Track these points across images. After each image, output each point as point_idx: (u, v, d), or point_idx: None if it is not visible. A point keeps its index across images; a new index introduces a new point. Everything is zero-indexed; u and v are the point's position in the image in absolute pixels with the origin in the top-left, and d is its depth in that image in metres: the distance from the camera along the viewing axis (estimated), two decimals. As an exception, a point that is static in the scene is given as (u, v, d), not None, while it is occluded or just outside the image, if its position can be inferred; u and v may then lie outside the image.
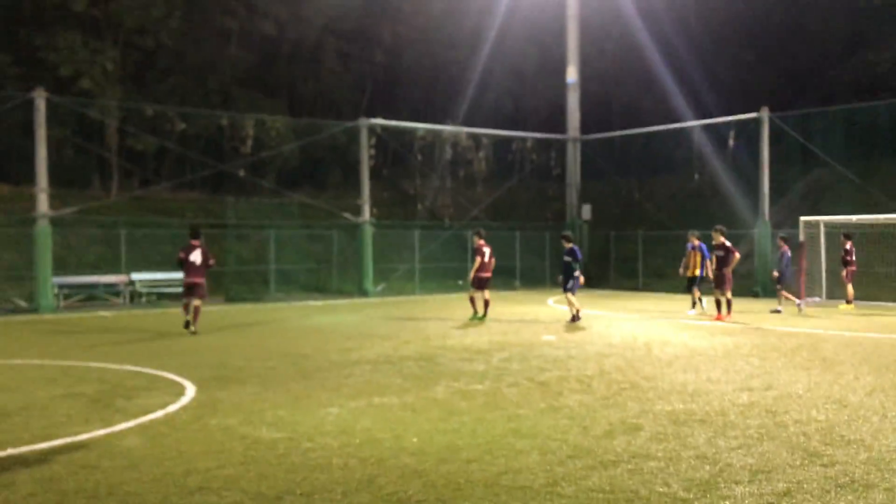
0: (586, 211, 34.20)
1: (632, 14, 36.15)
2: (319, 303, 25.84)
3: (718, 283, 18.86)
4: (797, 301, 21.49)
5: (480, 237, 19.52)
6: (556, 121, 36.60)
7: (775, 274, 21.51)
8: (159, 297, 26.01)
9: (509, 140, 36.06)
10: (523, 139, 36.05)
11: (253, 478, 6.22)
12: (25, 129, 25.12)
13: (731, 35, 39.19)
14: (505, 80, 41.88)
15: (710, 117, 31.57)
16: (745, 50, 38.99)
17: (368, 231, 28.73)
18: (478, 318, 19.13)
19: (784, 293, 21.41)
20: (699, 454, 6.81)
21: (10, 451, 7.05)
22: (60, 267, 24.55)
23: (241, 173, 31.32)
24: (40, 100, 23.31)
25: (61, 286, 24.19)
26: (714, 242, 19.00)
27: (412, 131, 33.69)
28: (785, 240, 21.47)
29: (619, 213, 36.19)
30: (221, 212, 31.75)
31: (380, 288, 28.83)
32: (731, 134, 30.37)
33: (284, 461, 6.69)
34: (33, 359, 13.05)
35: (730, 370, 11.30)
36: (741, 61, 38.99)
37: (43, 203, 23.30)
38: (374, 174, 30.46)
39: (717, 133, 31.75)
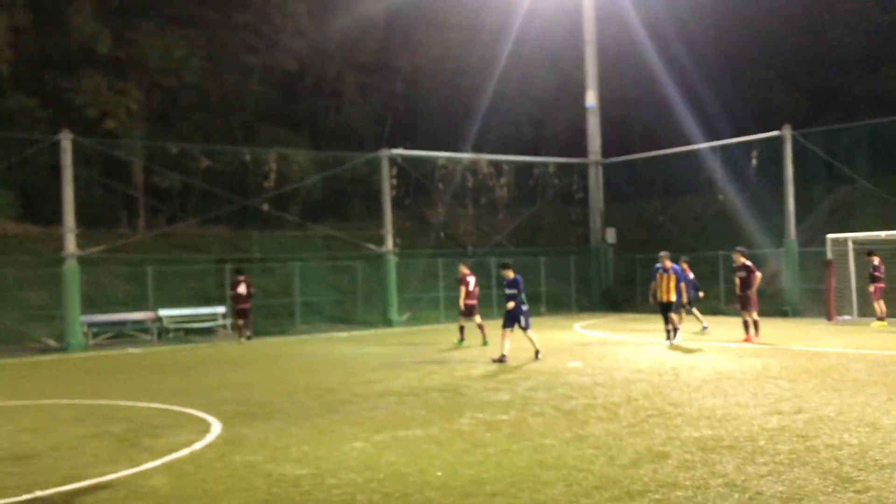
0: (611, 234, 34.09)
1: (646, 39, 36.24)
2: (344, 334, 25.88)
3: (744, 305, 18.67)
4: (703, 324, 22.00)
5: (466, 267, 20.87)
6: (577, 145, 36.62)
7: (701, 294, 22.87)
8: (187, 332, 26.20)
9: (531, 165, 36.11)
10: (545, 164, 36.07)
11: (277, 516, 6.21)
12: (53, 171, 25.57)
13: (748, 54, 39.12)
14: (525, 106, 42.05)
15: (731, 137, 31.43)
16: (764, 69, 38.88)
17: (392, 261, 28.80)
18: (459, 343, 20.32)
19: (688, 314, 21.72)
20: (728, 482, 6.70)
21: (38, 493, 7.10)
22: (89, 305, 24.83)
23: (266, 207, 31.58)
24: (67, 141, 23.74)
25: (90, 324, 24.46)
26: (735, 264, 18.90)
27: (433, 160, 33.85)
28: (687, 262, 22.27)
29: (644, 236, 35.99)
30: (247, 246, 32.03)
31: (404, 317, 28.83)
32: (754, 153, 30.18)
33: (309, 498, 6.68)
34: (62, 398, 13.16)
35: (759, 393, 11.14)
36: (760, 80, 38.87)
37: (71, 243, 23.63)
38: (397, 204, 30.61)
39: (738, 153, 31.56)
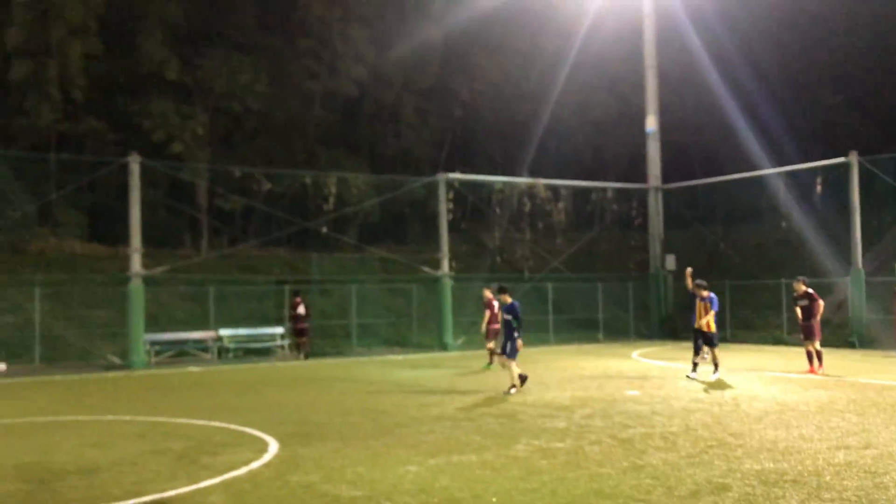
0: (670, 261, 33.60)
1: (708, 63, 35.87)
2: (400, 357, 25.96)
3: (807, 335, 18.18)
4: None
5: (489, 291, 21.04)
6: (636, 170, 36.34)
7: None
8: (246, 352, 26.60)
9: (589, 190, 35.90)
10: (603, 189, 35.83)
11: (332, 537, 6.24)
12: (120, 192, 26.33)
13: (814, 78, 38.46)
14: (583, 130, 41.94)
15: (794, 163, 30.81)
16: (831, 93, 38.13)
17: (448, 284, 28.85)
18: (488, 367, 20.70)
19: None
20: (791, 517, 6.52)
21: (101, 507, 7.26)
22: (152, 324, 25.40)
23: (324, 230, 32.00)
24: (135, 164, 24.45)
25: (153, 343, 25.01)
26: (796, 293, 18.49)
27: (490, 184, 33.91)
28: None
29: (704, 263, 35.38)
30: (306, 268, 32.45)
31: (460, 342, 28.81)
32: (818, 180, 29.53)
33: (363, 520, 6.69)
34: (125, 414, 13.47)
35: (824, 427, 10.82)
36: (825, 106, 38.12)
37: (136, 262, 24.25)
38: (453, 228, 30.70)
39: (802, 180, 30.91)
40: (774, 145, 34.79)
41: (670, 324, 32.61)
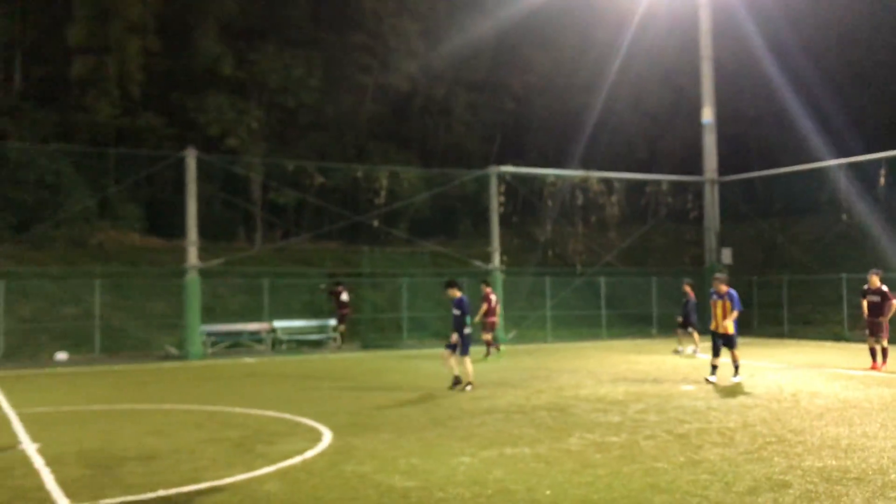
0: (726, 255, 32.98)
1: (766, 53, 35.06)
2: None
3: (874, 331, 17.63)
4: (691, 348, 22.36)
5: (487, 285, 22.41)
6: (692, 163, 35.72)
7: (679, 319, 22.79)
8: (299, 343, 26.91)
9: (643, 183, 35.41)
10: (657, 182, 35.30)
11: (386, 526, 6.26)
12: (177, 186, 26.81)
13: (876, 65, 37.32)
14: (637, 122, 41.40)
15: (856, 155, 29.96)
16: (892, 83, 36.97)
17: (499, 278, 28.76)
18: (488, 358, 21.55)
19: (695, 334, 22.31)
20: (856, 516, 6.34)
21: (161, 492, 7.40)
22: (208, 315, 25.83)
23: (376, 224, 32.17)
24: (191, 158, 24.86)
25: (209, 334, 25.44)
26: (869, 286, 17.76)
27: (541, 177, 33.69)
28: (691, 285, 22.89)
29: (762, 257, 34.72)
30: (357, 261, 32.68)
31: (511, 336, 28.72)
32: (882, 171, 28.66)
33: (417, 510, 6.70)
34: (183, 404, 13.72)
35: (888, 424, 10.51)
36: (887, 95, 36.98)
37: (193, 255, 24.67)
38: (504, 221, 30.58)
39: (865, 171, 30.04)
40: (835, 136, 33.87)
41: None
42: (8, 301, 24.81)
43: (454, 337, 14.80)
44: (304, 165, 32.00)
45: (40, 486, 7.75)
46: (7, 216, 29.41)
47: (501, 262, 29.09)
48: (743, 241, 34.50)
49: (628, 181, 35.00)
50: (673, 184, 35.15)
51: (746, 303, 31.84)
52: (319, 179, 32.28)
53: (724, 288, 15.68)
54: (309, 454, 9.05)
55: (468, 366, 14.92)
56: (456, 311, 14.95)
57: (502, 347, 23.90)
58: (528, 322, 30.14)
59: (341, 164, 33.58)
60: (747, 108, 39.94)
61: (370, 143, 38.44)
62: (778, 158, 35.18)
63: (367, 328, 28.93)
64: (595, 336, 29.98)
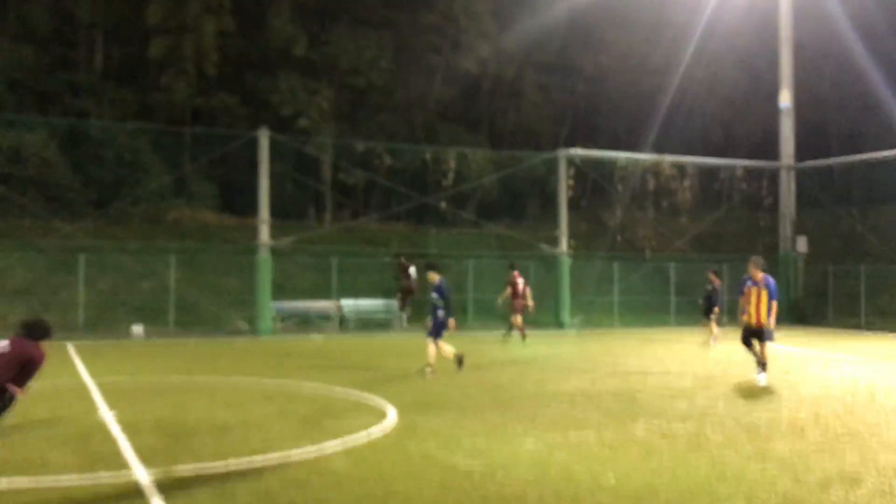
0: (801, 243, 32.06)
1: (851, 34, 33.75)
2: (516, 333, 25.90)
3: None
4: (713, 337, 21.08)
5: (514, 269, 22.84)
6: (768, 148, 34.77)
7: (716, 310, 21.41)
8: (365, 323, 27.23)
9: (717, 168, 34.62)
10: (732, 167, 34.46)
11: (449, 505, 6.32)
12: (250, 166, 27.36)
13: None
14: (712, 105, 40.47)
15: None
16: None
17: (566, 262, 28.55)
18: (520, 340, 21.80)
19: (713, 324, 21.15)
20: (933, 515, 6.13)
21: (231, 462, 7.61)
22: (278, 293, 26.32)
23: (443, 205, 32.25)
24: (264, 138, 25.29)
25: (279, 310, 25.94)
26: None
27: (612, 161, 33.22)
28: (716, 273, 21.81)
29: (839, 247, 33.63)
30: (424, 242, 32.85)
31: (577, 320, 28.52)
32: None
33: (480, 490, 6.74)
34: (253, 378, 14.04)
35: (970, 422, 10.11)
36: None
37: (264, 233, 25.15)
38: (573, 205, 30.30)
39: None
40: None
41: (800, 309, 31.24)
42: (87, 275, 25.72)
43: (452, 322, 14.57)
44: (373, 146, 32.24)
45: (117, 453, 8.05)
46: (87, 192, 30.46)
47: (569, 246, 28.87)
48: (819, 230, 33.48)
49: (701, 166, 34.27)
50: (748, 169, 34.26)
51: (822, 293, 31.26)
52: (388, 160, 32.50)
53: (759, 275, 13.83)
54: (374, 431, 9.17)
55: (434, 350, 14.47)
56: (434, 295, 14.62)
57: (527, 339, 22.41)
58: (595, 307, 29.87)
59: (410, 146, 33.74)
60: (828, 92, 38.66)
61: (439, 124, 38.50)
62: (860, 144, 34.01)
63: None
64: (663, 323, 29.56)
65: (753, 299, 13.74)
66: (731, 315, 30.79)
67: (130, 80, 35.61)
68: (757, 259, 14.19)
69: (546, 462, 7.73)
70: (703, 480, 7.12)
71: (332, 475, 7.20)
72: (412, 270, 27.03)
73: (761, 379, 13.55)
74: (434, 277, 14.76)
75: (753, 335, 13.81)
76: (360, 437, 8.78)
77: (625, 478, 7.19)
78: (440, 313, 14.49)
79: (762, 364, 13.69)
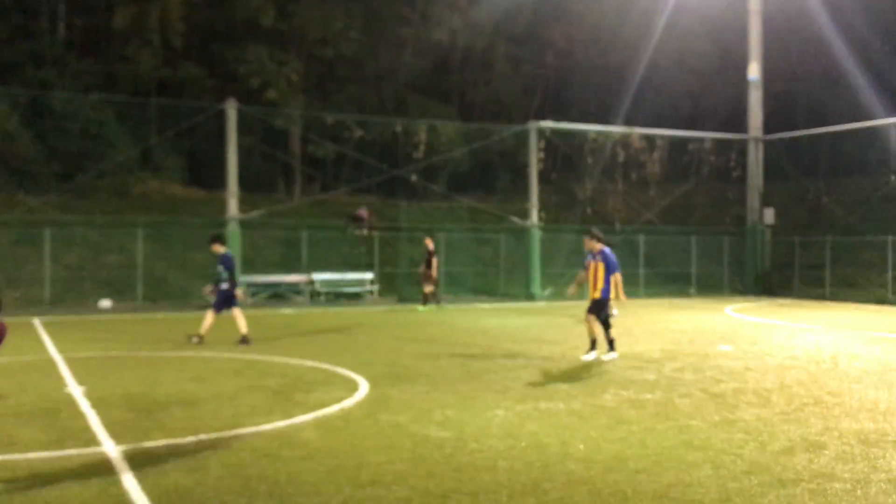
0: (769, 215, 32.49)
1: (818, 7, 33.97)
2: (487, 305, 26.07)
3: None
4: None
5: (430, 238, 24.31)
6: (736, 121, 35.03)
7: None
8: (336, 296, 27.19)
9: (686, 141, 34.83)
10: (701, 139, 34.70)
11: (421, 475, 6.37)
12: (218, 138, 27.04)
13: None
14: (681, 78, 40.60)
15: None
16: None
17: (536, 235, 28.67)
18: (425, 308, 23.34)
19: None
20: (892, 478, 6.29)
21: (202, 436, 7.60)
22: (247, 266, 26.18)
23: (414, 178, 32.17)
24: (232, 110, 25.02)
25: (249, 284, 25.80)
26: None
27: (582, 133, 33.29)
28: (609, 244, 20.83)
29: (805, 218, 34.11)
30: (395, 215, 32.78)
31: (547, 292, 28.71)
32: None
33: (451, 460, 6.80)
34: (222, 352, 13.98)
35: (929, 389, 10.36)
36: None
37: (233, 207, 24.96)
38: (543, 178, 30.38)
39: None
40: (891, 94, 32.88)
41: (767, 279, 31.71)
42: (54, 249, 25.37)
43: (240, 293, 15.02)
44: (343, 119, 31.99)
45: (86, 428, 7.99)
46: (52, 166, 29.92)
47: (540, 218, 28.98)
48: (786, 201, 33.92)
49: (671, 138, 34.46)
50: (716, 141, 34.53)
51: (788, 264, 31.74)
52: (358, 133, 32.27)
53: (598, 246, 13.19)
54: (346, 403, 9.19)
55: (210, 321, 14.90)
56: (219, 267, 14.87)
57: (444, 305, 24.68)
58: (566, 279, 29.99)
59: (380, 118, 33.51)
60: (795, 65, 38.96)
61: (409, 96, 38.25)
62: (826, 117, 34.33)
63: (404, 282, 29.09)
64: (632, 294, 29.49)
65: (591, 273, 13.17)
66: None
67: (94, 50, 34.88)
68: (595, 232, 13.59)
69: (517, 432, 7.81)
70: (671, 448, 7.24)
71: (304, 447, 7.22)
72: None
73: (588, 358, 12.79)
74: (219, 249, 14.96)
75: (590, 310, 13.14)
76: (332, 410, 8.80)
77: (594, 446, 7.29)
78: (224, 286, 14.79)
79: (592, 341, 12.98)
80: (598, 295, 13.00)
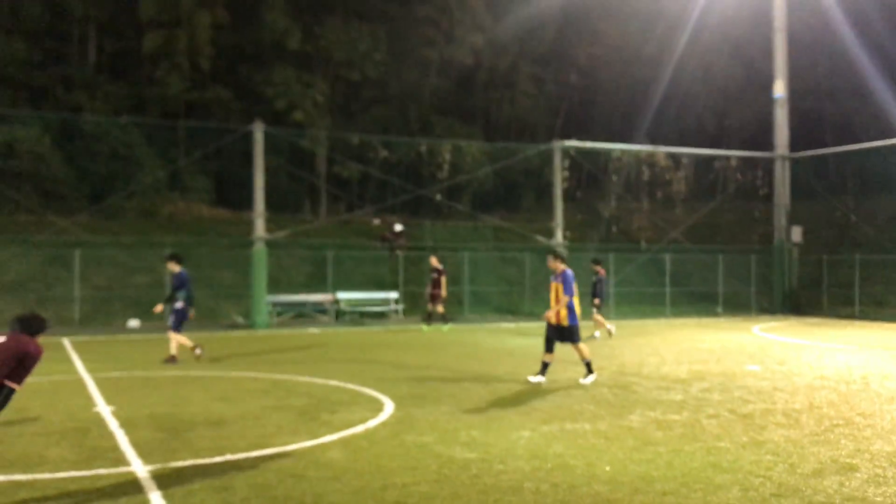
0: (796, 233, 32.17)
1: (844, 24, 33.79)
2: (511, 325, 26.00)
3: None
4: (608, 326, 20.54)
5: (436, 258, 23.95)
6: (762, 138, 34.86)
7: (596, 301, 20.47)
8: (361, 315, 27.25)
9: (711, 159, 34.66)
10: (726, 157, 34.51)
11: (447, 496, 6.35)
12: (245, 159, 27.33)
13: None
14: (706, 96, 40.52)
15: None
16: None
17: (562, 253, 28.54)
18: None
19: (597, 318, 20.35)
20: (926, 502, 6.18)
21: (229, 456, 7.63)
22: (274, 286, 26.33)
23: (438, 197, 32.27)
24: (258, 132, 25.26)
25: (274, 304, 25.95)
26: None
27: (607, 152, 33.25)
28: (598, 262, 21.01)
29: (833, 236, 33.76)
30: (420, 235, 32.88)
31: (573, 311, 28.50)
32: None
33: (477, 482, 6.77)
34: (249, 371, 14.06)
35: (963, 410, 10.18)
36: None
37: (260, 227, 25.14)
38: (568, 196, 30.33)
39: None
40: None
41: (794, 298, 31.36)
42: (83, 269, 25.69)
43: (191, 313, 15.12)
44: (368, 139, 32.22)
45: (115, 447, 8.06)
46: (82, 187, 30.39)
47: (564, 237, 28.91)
48: (814, 219, 33.60)
49: (696, 156, 34.31)
50: (742, 159, 34.35)
51: (816, 282, 31.36)
52: (383, 153, 32.51)
53: (560, 267, 12.88)
54: (371, 423, 9.20)
55: (178, 341, 14.99)
56: (176, 284, 15.00)
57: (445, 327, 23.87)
58: (590, 298, 29.86)
59: (405, 138, 33.73)
60: (822, 82, 38.73)
61: (434, 116, 38.49)
62: (854, 134, 34.12)
63: (428, 302, 29.09)
64: (658, 314, 29.64)
65: (553, 294, 12.74)
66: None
67: (124, 74, 35.51)
68: (558, 252, 13.11)
69: (543, 453, 7.77)
70: (698, 469, 7.16)
71: (330, 468, 7.23)
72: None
73: (587, 381, 12.48)
74: (174, 268, 15.03)
75: (559, 335, 12.65)
76: (358, 430, 8.81)
77: (620, 468, 7.23)
78: (179, 305, 14.87)
79: (587, 364, 12.70)
80: (565, 323, 12.58)
